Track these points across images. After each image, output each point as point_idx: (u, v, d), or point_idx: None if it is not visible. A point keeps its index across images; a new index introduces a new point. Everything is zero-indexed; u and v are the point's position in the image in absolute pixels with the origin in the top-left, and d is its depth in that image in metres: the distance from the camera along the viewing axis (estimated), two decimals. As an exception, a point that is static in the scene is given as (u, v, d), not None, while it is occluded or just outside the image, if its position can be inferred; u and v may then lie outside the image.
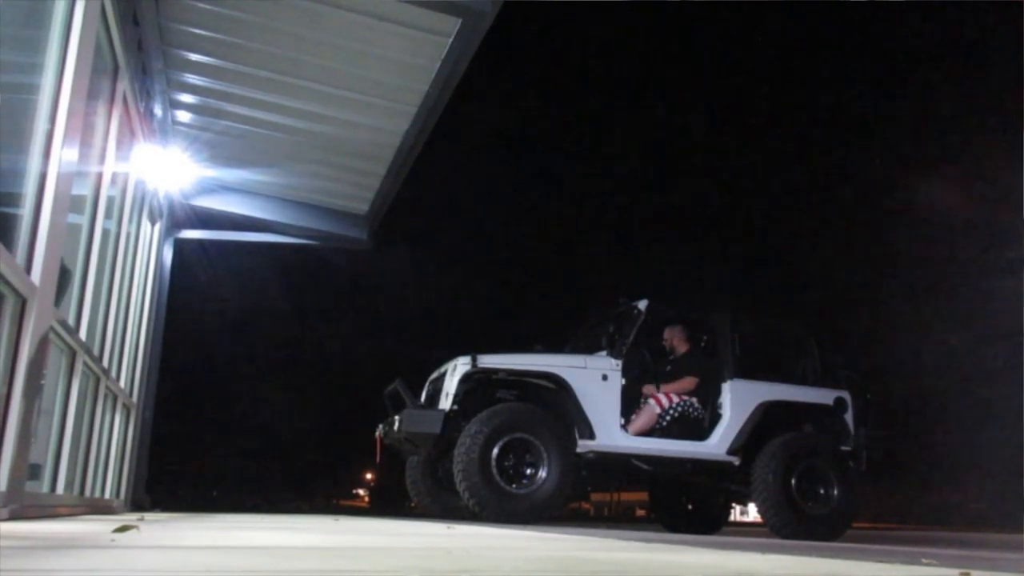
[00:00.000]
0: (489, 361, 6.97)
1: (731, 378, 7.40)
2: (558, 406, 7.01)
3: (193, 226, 10.30)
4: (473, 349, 7.01)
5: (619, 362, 7.14)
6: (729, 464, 7.21)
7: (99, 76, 5.57)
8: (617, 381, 7.08)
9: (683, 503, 8.78)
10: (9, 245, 3.83)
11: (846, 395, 7.71)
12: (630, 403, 7.31)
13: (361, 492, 67.12)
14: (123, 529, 3.32)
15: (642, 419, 7.27)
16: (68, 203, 4.48)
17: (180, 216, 10.02)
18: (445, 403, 6.87)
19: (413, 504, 10.20)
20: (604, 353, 7.26)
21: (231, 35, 6.79)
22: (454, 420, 6.78)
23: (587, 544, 3.56)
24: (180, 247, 10.40)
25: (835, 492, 7.24)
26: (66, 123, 4.27)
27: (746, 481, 7.34)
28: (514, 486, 6.62)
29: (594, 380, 7.04)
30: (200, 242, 10.71)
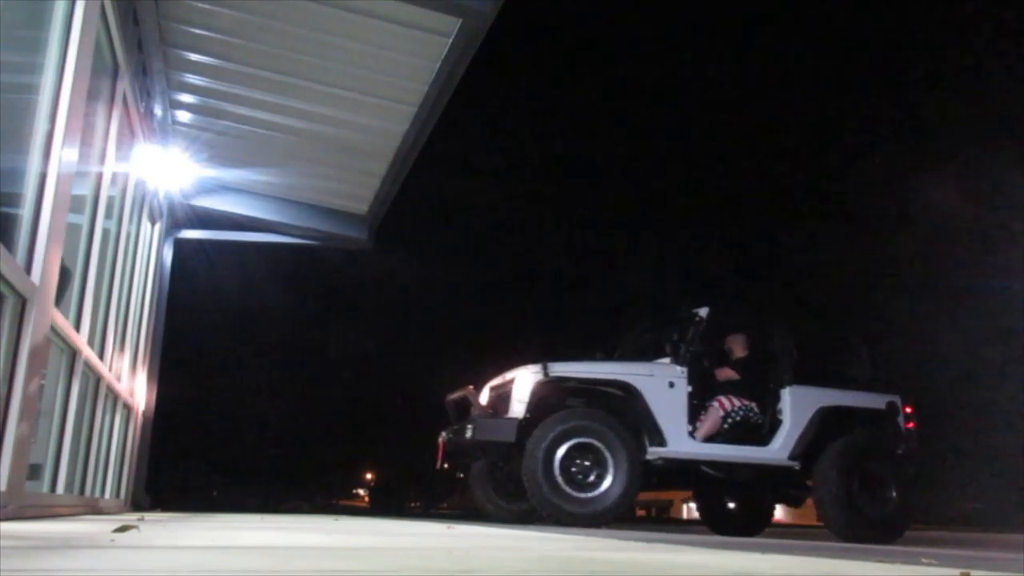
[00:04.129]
0: (560, 369, 7.12)
1: (790, 384, 7.58)
2: (626, 413, 7.13)
3: (193, 226, 10.29)
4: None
5: (684, 369, 7.28)
6: (790, 468, 7.39)
7: (99, 76, 5.56)
8: (683, 388, 7.22)
9: (727, 505, 9.05)
10: (9, 245, 3.83)
11: (897, 399, 7.89)
12: (694, 410, 7.44)
13: (361, 492, 67.13)
14: (123, 529, 3.32)
15: (707, 424, 7.40)
16: (68, 203, 4.48)
17: (180, 216, 10.02)
18: (516, 411, 6.97)
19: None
20: (667, 360, 7.41)
21: (231, 35, 6.79)
22: (525, 427, 6.87)
23: (587, 544, 3.56)
24: (180, 247, 10.40)
25: (893, 494, 7.40)
26: (66, 123, 4.27)
27: (804, 484, 7.55)
28: (580, 491, 6.71)
29: (662, 387, 7.18)
30: (200, 242, 10.70)
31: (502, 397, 7.27)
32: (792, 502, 8.42)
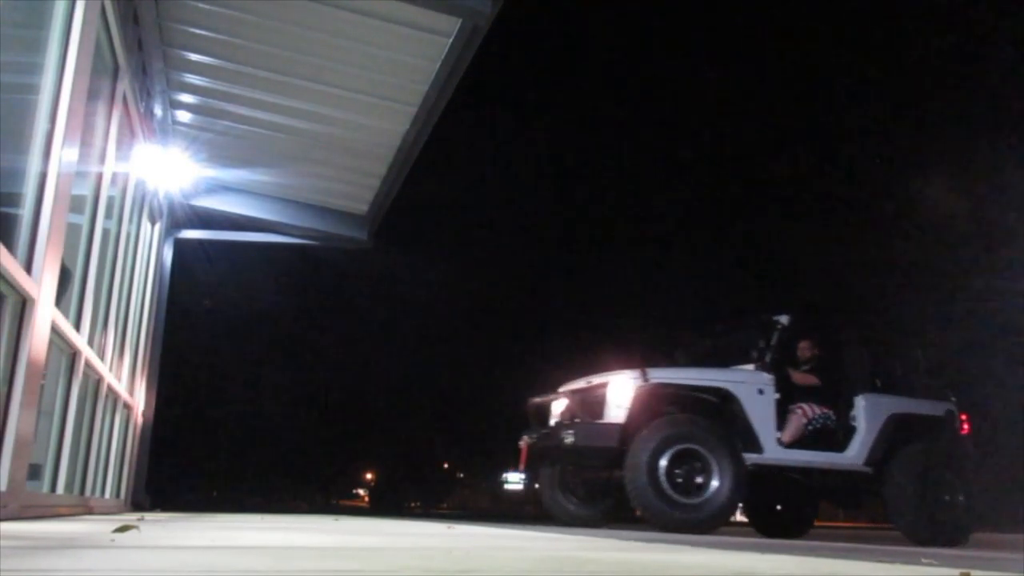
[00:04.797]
0: (659, 375, 7.22)
1: (864, 391, 7.79)
2: (721, 420, 7.21)
3: (193, 226, 10.29)
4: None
5: (772, 376, 7.42)
6: (865, 474, 7.57)
7: (99, 76, 5.56)
8: (771, 395, 7.36)
9: (775, 507, 9.22)
10: (9, 245, 3.83)
11: (953, 407, 8.11)
12: (780, 416, 7.55)
13: (361, 492, 67.15)
14: (123, 529, 3.32)
15: (790, 430, 7.51)
16: (68, 203, 4.48)
17: (180, 216, 10.02)
18: (614, 416, 7.02)
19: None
20: (751, 367, 7.54)
21: (231, 35, 6.79)
22: (624, 433, 6.93)
23: (587, 544, 3.56)
24: (180, 247, 10.40)
25: (960, 498, 7.60)
26: (66, 123, 4.27)
27: (875, 489, 7.70)
28: (686, 497, 6.76)
29: (754, 394, 7.32)
30: (200, 242, 10.70)
31: (591, 402, 7.31)
32: (851, 505, 8.76)
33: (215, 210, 10.00)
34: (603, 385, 7.27)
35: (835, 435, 7.62)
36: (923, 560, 3.17)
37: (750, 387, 7.31)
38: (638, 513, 6.88)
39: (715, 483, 6.79)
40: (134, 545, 2.58)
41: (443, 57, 6.53)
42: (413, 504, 61.52)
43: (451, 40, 6.30)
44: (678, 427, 6.90)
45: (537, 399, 8.00)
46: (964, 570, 2.44)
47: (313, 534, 3.86)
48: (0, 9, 3.89)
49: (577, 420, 7.31)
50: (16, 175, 4.15)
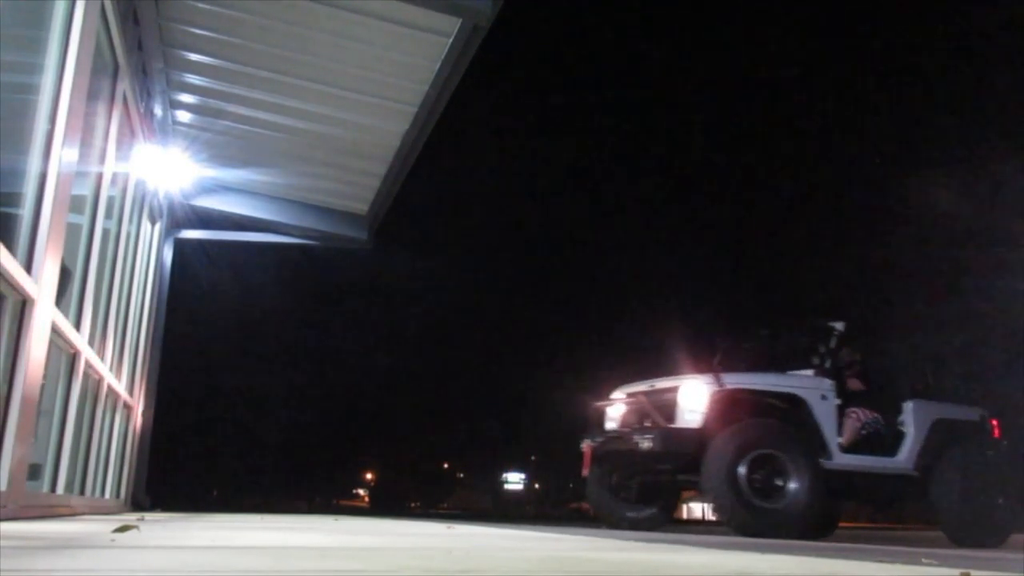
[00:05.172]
0: (733, 381, 7.28)
1: (911, 397, 7.90)
2: (793, 425, 7.26)
3: (193, 226, 10.29)
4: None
5: (833, 382, 7.51)
6: (913, 477, 7.66)
7: (99, 76, 5.56)
8: (833, 400, 7.43)
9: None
10: (9, 245, 3.83)
11: (986, 412, 8.24)
12: (840, 421, 7.61)
13: (361, 492, 67.14)
14: (123, 529, 3.32)
15: (847, 435, 7.57)
16: (68, 203, 4.48)
17: (180, 216, 10.02)
18: (689, 421, 7.04)
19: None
20: (811, 372, 7.66)
21: (231, 35, 6.79)
22: (701, 438, 6.96)
23: (587, 544, 3.56)
24: (180, 247, 10.40)
25: (1000, 500, 7.72)
26: (66, 123, 4.27)
27: (919, 493, 7.79)
28: (766, 501, 6.77)
29: (819, 399, 7.39)
30: (200, 242, 10.70)
31: (659, 406, 7.33)
32: (891, 509, 8.73)
33: (215, 210, 10.00)
34: (672, 389, 7.31)
35: (884, 439, 7.73)
36: (923, 560, 3.17)
37: (815, 392, 7.40)
38: (716, 518, 6.92)
39: (793, 487, 6.82)
40: (134, 545, 2.58)
41: (443, 57, 6.53)
42: (413, 504, 61.52)
43: (451, 40, 6.29)
44: (756, 432, 6.94)
45: (601, 402, 8.03)
46: (964, 570, 2.44)
47: (313, 534, 3.86)
48: (0, 9, 3.89)
49: (648, 424, 7.32)
50: (16, 175, 4.15)
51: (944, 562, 3.01)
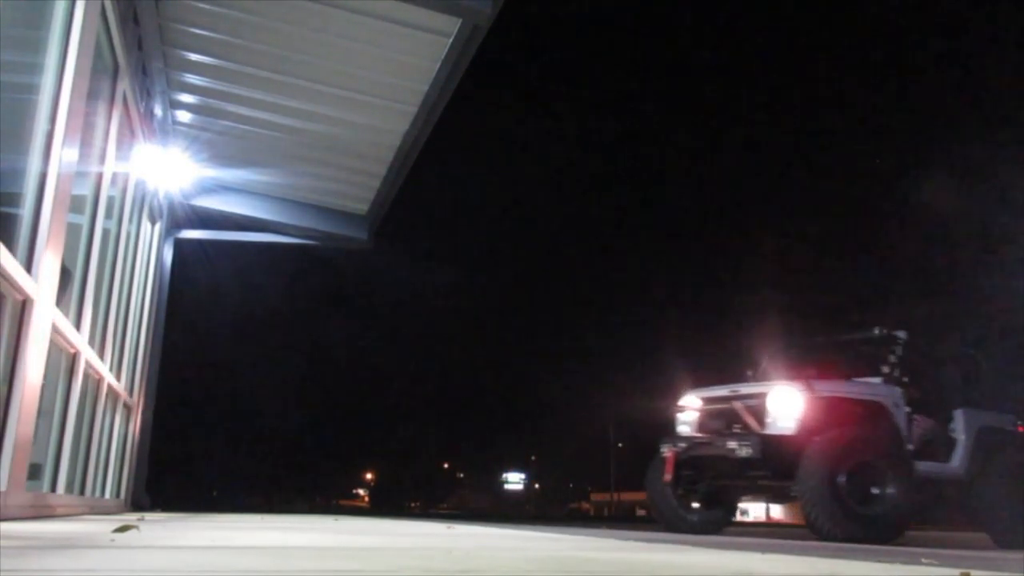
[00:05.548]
0: (824, 388, 7.36)
1: (962, 405, 8.01)
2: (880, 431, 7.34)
3: (193, 226, 10.29)
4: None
5: (902, 390, 7.60)
6: (965, 482, 7.76)
7: (99, 76, 5.57)
8: (904, 408, 7.53)
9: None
10: (10, 245, 3.83)
11: (1016, 418, 8.36)
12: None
13: (361, 492, 67.16)
14: (123, 529, 3.32)
15: (915, 442, 7.62)
16: (68, 203, 4.48)
17: (180, 216, 10.02)
18: (782, 427, 7.09)
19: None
20: (879, 380, 7.77)
21: (231, 35, 6.79)
22: (797, 445, 6.97)
23: (587, 544, 3.56)
24: (180, 247, 10.39)
25: None
26: (66, 123, 4.27)
27: (966, 499, 7.87)
28: (865, 507, 6.78)
29: (894, 407, 7.51)
30: (200, 242, 10.70)
31: (745, 411, 7.37)
32: (936, 512, 8.97)
33: (215, 210, 10.00)
34: (759, 395, 7.35)
35: (941, 446, 7.82)
36: (923, 560, 3.17)
37: (891, 400, 7.50)
38: (814, 525, 6.83)
39: (891, 492, 6.84)
40: (134, 545, 2.58)
41: (443, 57, 6.53)
42: (413, 504, 61.51)
43: (451, 40, 6.30)
44: (854, 440, 6.97)
45: (683, 407, 8.05)
46: (964, 570, 2.44)
47: (313, 534, 3.86)
48: (0, 9, 3.89)
49: (738, 430, 7.35)
50: (16, 175, 4.15)
51: (944, 562, 3.01)
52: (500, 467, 69.77)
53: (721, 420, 7.63)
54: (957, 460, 7.75)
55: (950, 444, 7.82)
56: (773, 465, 7.07)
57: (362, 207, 9.89)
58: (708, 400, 7.83)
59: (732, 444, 7.12)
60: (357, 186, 9.40)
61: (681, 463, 7.64)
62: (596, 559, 2.57)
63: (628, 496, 62.84)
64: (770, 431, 7.09)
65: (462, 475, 72.47)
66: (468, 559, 2.35)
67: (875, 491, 6.84)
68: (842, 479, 6.69)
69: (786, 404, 7.15)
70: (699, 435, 7.76)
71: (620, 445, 60.54)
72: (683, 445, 7.64)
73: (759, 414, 7.24)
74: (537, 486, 70.87)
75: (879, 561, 2.91)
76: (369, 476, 66.93)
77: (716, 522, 8.06)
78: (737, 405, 7.55)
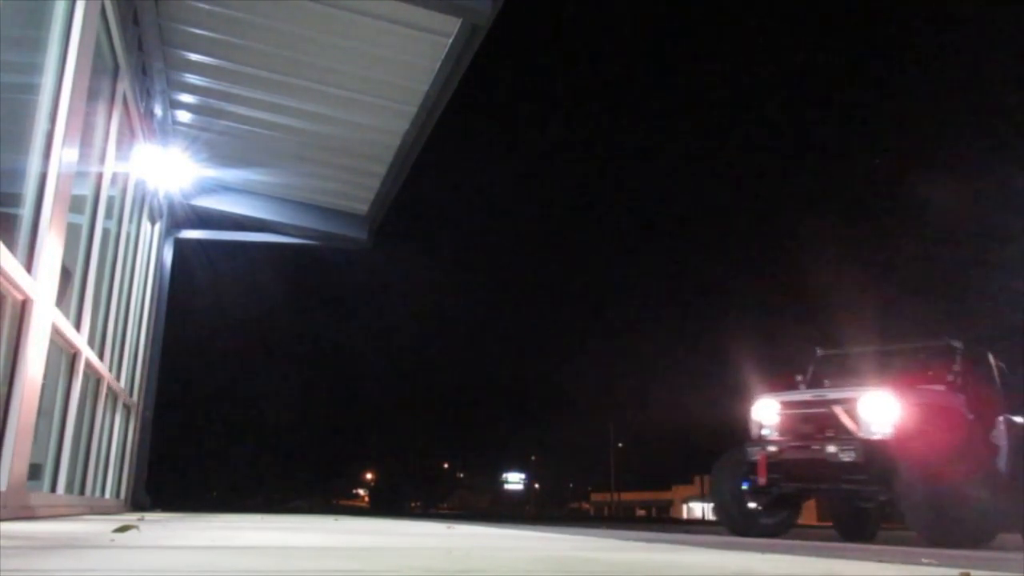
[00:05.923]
0: (917, 395, 7.44)
1: (1005, 412, 8.08)
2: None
3: (193, 226, 10.29)
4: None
5: (963, 397, 7.72)
6: (1011, 484, 7.76)
7: (99, 76, 5.57)
8: (968, 414, 7.64)
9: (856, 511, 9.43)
10: (10, 245, 3.83)
11: None
12: None
13: (361, 492, 67.18)
14: (123, 529, 3.32)
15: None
16: (68, 203, 4.48)
17: (180, 216, 10.02)
18: (877, 432, 7.11)
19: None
20: (943, 388, 7.85)
21: (231, 35, 6.79)
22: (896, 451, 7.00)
23: (587, 544, 3.56)
24: (180, 247, 10.40)
25: None
26: (66, 123, 4.27)
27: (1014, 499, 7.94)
28: (960, 511, 6.77)
29: (966, 414, 7.61)
30: (200, 242, 10.70)
31: (832, 416, 7.38)
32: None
33: (215, 210, 10.00)
34: (849, 400, 7.35)
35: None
36: (923, 560, 3.17)
37: (962, 407, 7.60)
38: (914, 527, 6.91)
39: (986, 495, 6.85)
40: (134, 545, 2.58)
41: (443, 57, 6.53)
42: (413, 504, 61.52)
43: (451, 40, 6.30)
44: (949, 445, 7.02)
45: (761, 411, 8.02)
46: (964, 570, 2.44)
47: (313, 534, 3.86)
48: (0, 9, 3.89)
49: (831, 434, 7.33)
50: (16, 175, 4.15)
51: (944, 562, 3.01)
52: (500, 467, 69.80)
53: (810, 424, 7.57)
54: (1002, 463, 7.80)
55: (993, 450, 7.88)
56: (872, 470, 7.07)
57: (362, 207, 9.89)
58: (789, 404, 7.78)
59: (832, 448, 7.10)
60: (357, 186, 9.41)
61: (773, 466, 7.57)
62: (596, 559, 2.57)
63: (628, 496, 62.89)
64: (869, 436, 7.09)
65: (462, 475, 72.49)
66: (468, 559, 2.35)
67: (969, 496, 6.85)
68: (941, 485, 6.72)
69: (883, 410, 7.18)
70: (784, 439, 7.68)
71: (620, 445, 60.60)
72: (773, 449, 7.56)
73: (855, 419, 7.25)
74: (537, 486, 70.89)
75: (879, 561, 2.91)
76: (369, 476, 66.95)
77: (784, 524, 8.04)
78: (837, 409, 7.50)
